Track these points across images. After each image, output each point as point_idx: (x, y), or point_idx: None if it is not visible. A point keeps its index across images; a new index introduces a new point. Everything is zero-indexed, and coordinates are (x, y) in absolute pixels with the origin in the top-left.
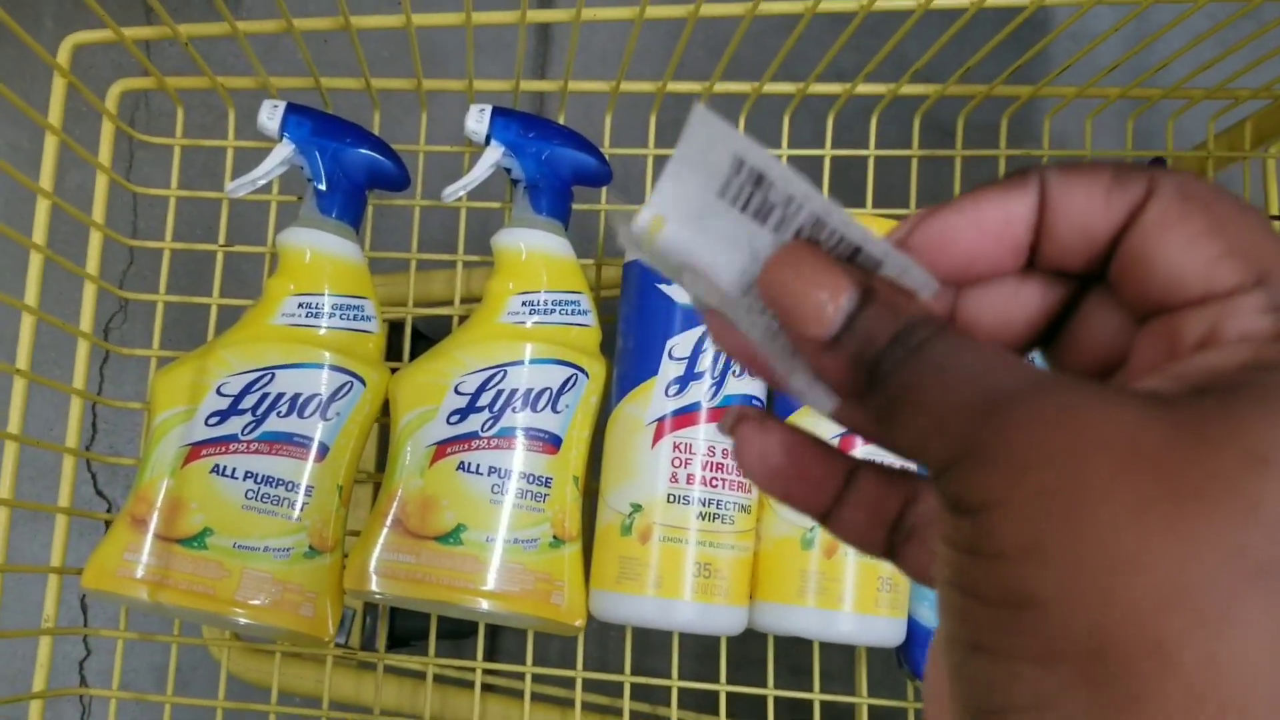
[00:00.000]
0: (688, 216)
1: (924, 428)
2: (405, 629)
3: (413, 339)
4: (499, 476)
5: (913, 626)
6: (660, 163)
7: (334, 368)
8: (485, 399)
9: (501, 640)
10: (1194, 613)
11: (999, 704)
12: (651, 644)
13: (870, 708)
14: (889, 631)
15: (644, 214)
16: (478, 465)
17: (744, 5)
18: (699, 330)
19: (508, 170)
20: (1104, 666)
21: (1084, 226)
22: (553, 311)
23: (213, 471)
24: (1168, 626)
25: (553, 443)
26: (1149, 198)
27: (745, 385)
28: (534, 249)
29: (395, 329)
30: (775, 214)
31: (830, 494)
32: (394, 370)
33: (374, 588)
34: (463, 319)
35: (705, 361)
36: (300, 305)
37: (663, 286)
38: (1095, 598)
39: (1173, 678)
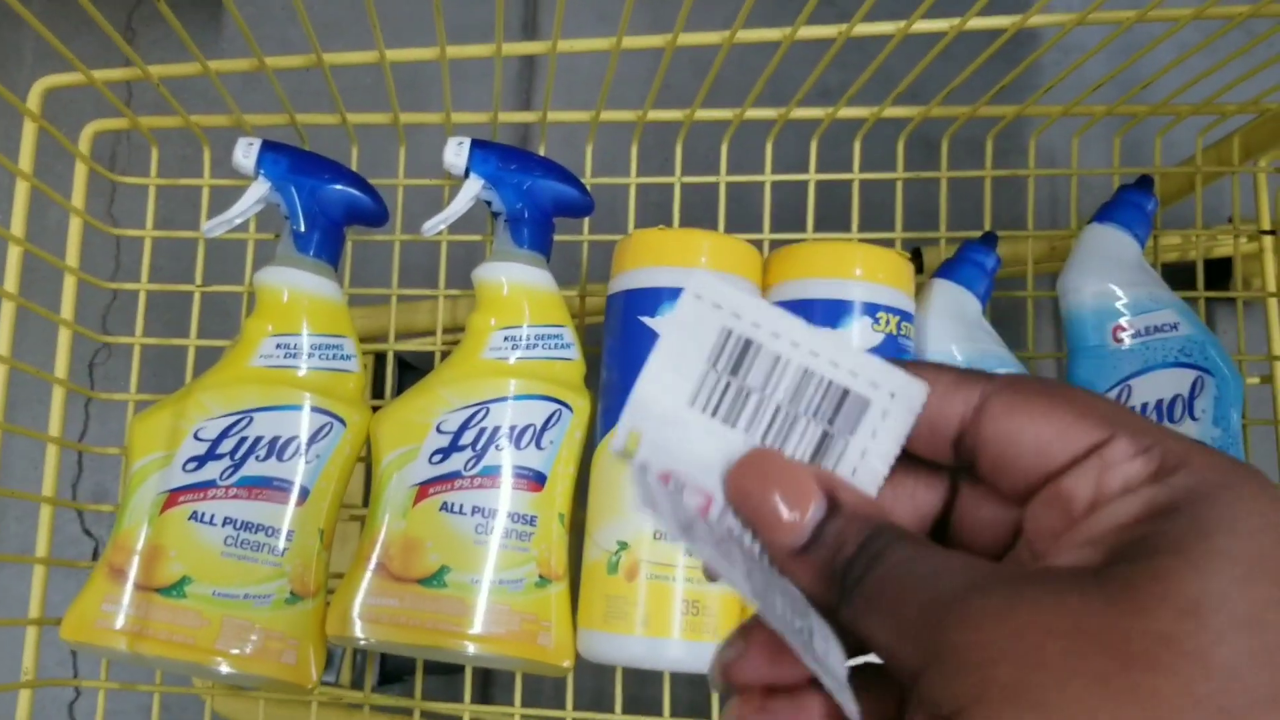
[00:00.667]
0: (661, 426)
1: (891, 635)
2: (396, 665)
3: (400, 370)
4: (483, 516)
5: None
6: (642, 191)
7: (313, 409)
8: (468, 437)
9: (495, 674)
10: None
11: None
12: (648, 673)
13: None
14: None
15: (620, 432)
16: (461, 505)
17: (721, 34)
18: None
19: (488, 203)
20: None
21: (932, 423)
22: (535, 346)
23: (191, 518)
24: None
25: (537, 480)
26: (988, 396)
27: None
28: (515, 283)
29: (381, 360)
30: (752, 400)
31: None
32: (376, 408)
33: (357, 633)
34: (445, 354)
35: None
36: (278, 346)
37: (645, 319)
38: None
39: None
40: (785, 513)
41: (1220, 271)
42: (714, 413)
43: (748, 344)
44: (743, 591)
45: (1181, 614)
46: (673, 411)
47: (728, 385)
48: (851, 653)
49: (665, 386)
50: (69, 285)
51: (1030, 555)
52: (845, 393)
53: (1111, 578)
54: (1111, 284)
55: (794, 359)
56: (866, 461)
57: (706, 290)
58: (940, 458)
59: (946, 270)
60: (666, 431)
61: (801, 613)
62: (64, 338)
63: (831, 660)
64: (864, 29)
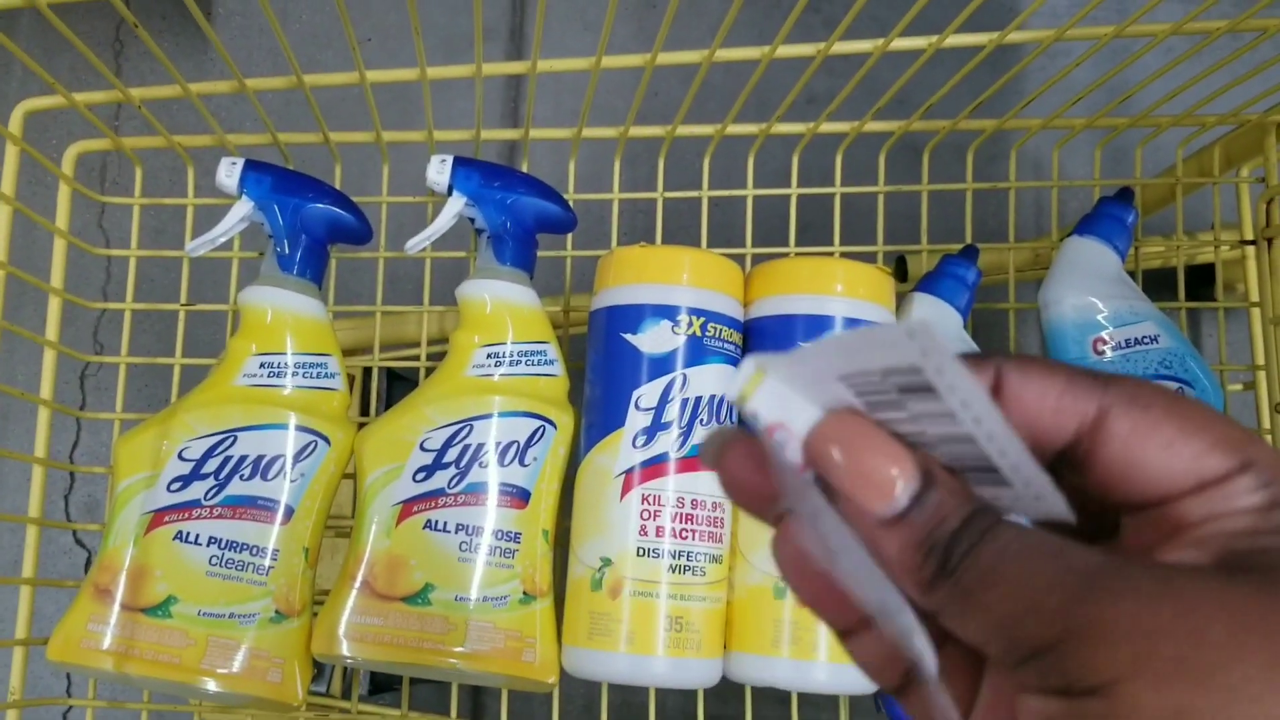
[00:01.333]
0: (796, 380)
1: (1012, 611)
2: (387, 675)
3: (390, 381)
4: (467, 534)
5: None
6: (625, 206)
7: (297, 428)
8: (451, 455)
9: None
10: None
11: None
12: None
13: None
14: (864, 679)
15: (744, 367)
16: (445, 523)
17: (701, 53)
18: (665, 380)
19: (472, 220)
20: None
21: (1039, 431)
22: (519, 362)
23: (176, 538)
24: None
25: (521, 497)
26: (1106, 414)
27: None
28: (499, 300)
29: (369, 370)
30: (901, 412)
31: (856, 613)
32: (362, 424)
33: (341, 652)
34: (430, 369)
35: (672, 412)
36: (262, 365)
37: (628, 335)
38: None
39: None
40: (886, 474)
41: (1206, 276)
42: (859, 394)
43: (929, 388)
44: (834, 566)
45: None
46: (818, 374)
47: (886, 392)
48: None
49: (825, 357)
50: (54, 306)
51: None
52: (992, 469)
53: (1243, 580)
54: (1092, 297)
55: (965, 422)
56: (1045, 500)
57: (921, 334)
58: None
59: (927, 284)
60: (799, 385)
61: (884, 588)
62: (49, 358)
63: (919, 645)
64: (842, 47)
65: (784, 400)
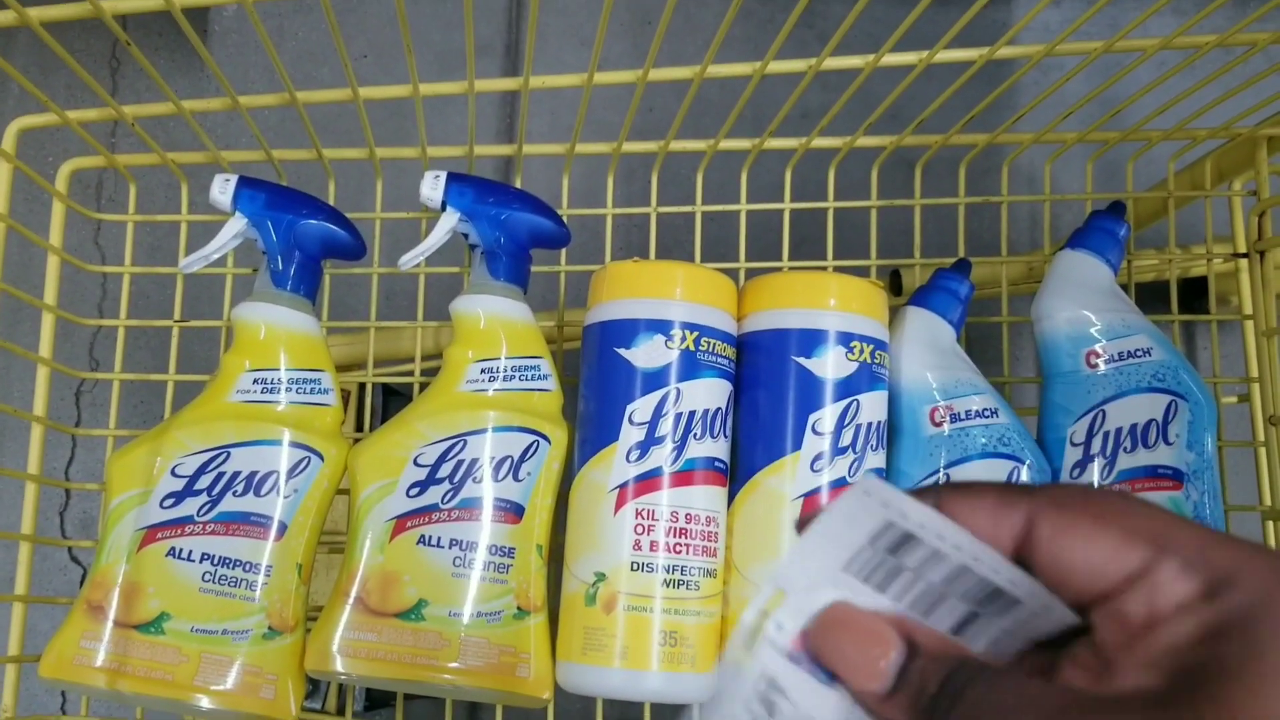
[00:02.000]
0: (809, 591)
1: None
2: (382, 691)
3: (386, 396)
4: (460, 549)
5: None
6: (621, 221)
7: (290, 444)
8: (445, 470)
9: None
10: None
11: None
12: None
13: None
14: None
15: (761, 593)
16: (439, 538)
17: (693, 69)
18: (659, 394)
19: (465, 235)
20: None
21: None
22: (513, 378)
23: (169, 554)
24: None
25: (515, 512)
26: (1033, 521)
27: (707, 449)
28: (492, 315)
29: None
30: (905, 576)
31: None
32: (358, 440)
33: (335, 668)
34: (424, 385)
35: (666, 426)
36: (255, 381)
37: (621, 350)
38: None
39: None
40: (872, 657)
41: (1201, 289)
42: (865, 578)
43: (909, 537)
44: None
45: None
46: (823, 575)
47: (883, 560)
48: None
49: (819, 555)
50: (47, 323)
51: (1098, 660)
52: (999, 591)
53: (1176, 703)
54: (1084, 310)
55: (954, 557)
56: (1005, 641)
57: (875, 489)
58: None
59: (920, 298)
60: (814, 595)
61: None
62: (42, 375)
63: None
64: (834, 63)
65: (808, 611)
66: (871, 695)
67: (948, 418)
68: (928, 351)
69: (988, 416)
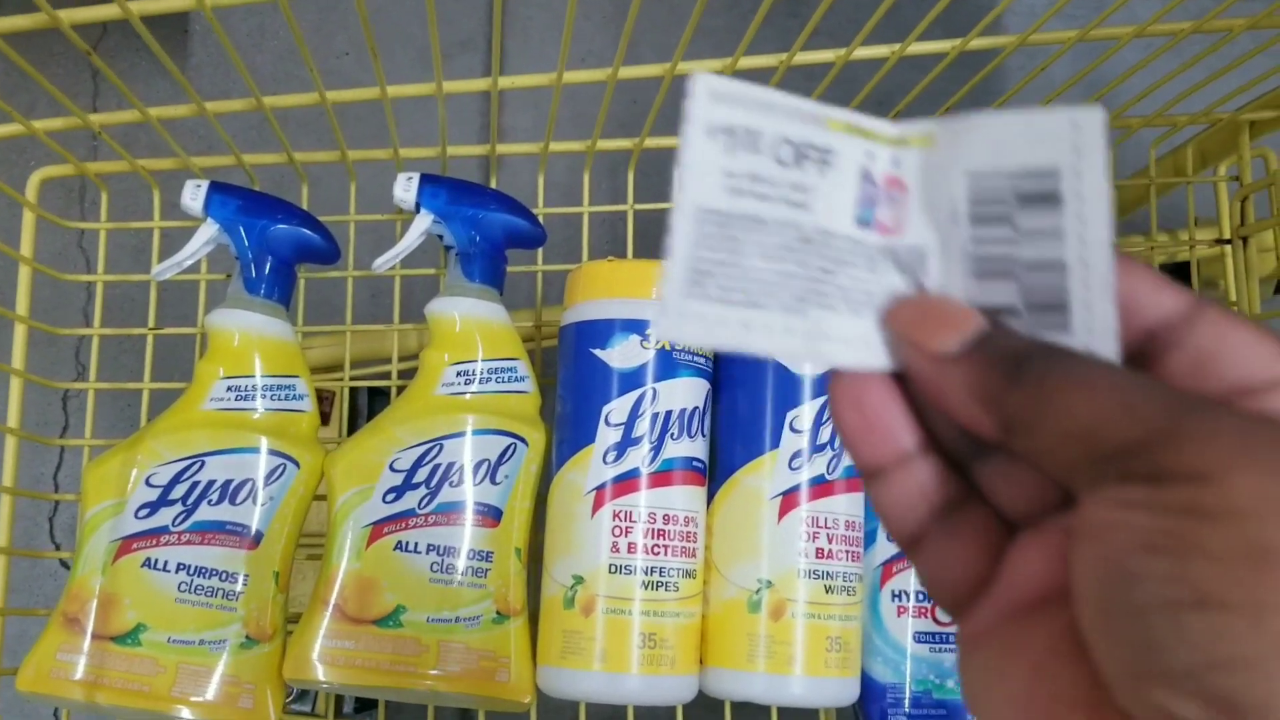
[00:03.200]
0: (939, 154)
1: (1099, 413)
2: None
3: (371, 397)
4: (438, 554)
5: (866, 683)
6: (604, 219)
7: (265, 451)
8: (421, 475)
9: None
10: None
11: (1230, 653)
12: None
13: None
14: (841, 692)
15: (924, 124)
16: (416, 544)
17: (664, 66)
18: (635, 395)
19: (440, 237)
20: None
21: (1135, 307)
22: (489, 380)
23: (144, 565)
24: None
25: (493, 515)
26: (1202, 307)
27: (685, 448)
28: (468, 317)
29: (354, 389)
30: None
31: (894, 450)
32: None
33: (314, 676)
34: (401, 389)
35: (643, 426)
36: (229, 388)
37: (597, 351)
38: None
39: None
40: (950, 314)
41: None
42: (971, 200)
43: (1054, 197)
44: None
45: None
46: (955, 158)
47: (1003, 200)
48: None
49: (975, 137)
50: (19, 333)
51: None
52: (1063, 307)
53: None
54: None
55: (1069, 243)
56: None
57: (1087, 129)
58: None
59: None
60: (936, 165)
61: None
62: (16, 386)
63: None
64: (805, 57)
65: (924, 171)
66: (939, 354)
67: None
68: None
69: None
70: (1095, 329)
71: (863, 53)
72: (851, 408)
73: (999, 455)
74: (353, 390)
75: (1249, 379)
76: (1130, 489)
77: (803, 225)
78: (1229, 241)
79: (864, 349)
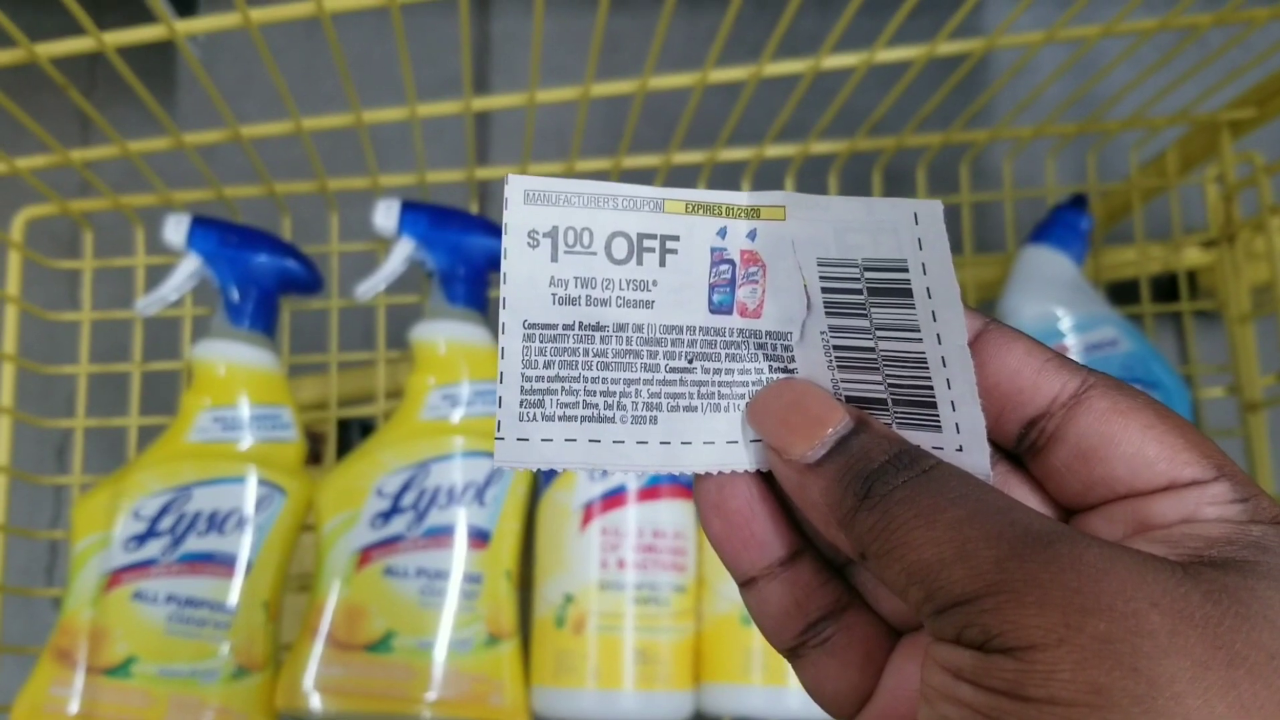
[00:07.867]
0: (799, 233)
1: (940, 556)
2: None
3: (363, 435)
4: (427, 578)
5: None
6: None
7: (252, 480)
8: (409, 499)
9: None
10: None
11: None
12: None
13: None
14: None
15: (775, 195)
16: (405, 568)
17: (635, 82)
18: None
19: (422, 263)
20: None
21: (1006, 389)
22: (475, 403)
23: (134, 597)
24: None
25: (481, 538)
26: (1088, 390)
27: None
28: (452, 341)
29: (345, 426)
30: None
31: (764, 559)
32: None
33: (306, 704)
34: (388, 414)
35: None
36: (215, 419)
37: None
38: None
39: None
40: (809, 419)
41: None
42: (825, 288)
43: (903, 291)
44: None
45: None
46: (815, 238)
47: (855, 290)
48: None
49: (830, 221)
50: (8, 372)
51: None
52: (929, 404)
53: (1209, 576)
54: (1050, 304)
55: (925, 337)
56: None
57: (927, 222)
58: (1000, 436)
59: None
60: (799, 244)
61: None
62: (4, 424)
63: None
64: (774, 69)
65: (779, 248)
66: (799, 463)
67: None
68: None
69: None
70: (964, 428)
71: (832, 62)
72: (716, 515)
73: None
74: (346, 428)
75: (1131, 482)
76: (961, 654)
77: (647, 325)
78: (1215, 243)
79: (726, 450)
